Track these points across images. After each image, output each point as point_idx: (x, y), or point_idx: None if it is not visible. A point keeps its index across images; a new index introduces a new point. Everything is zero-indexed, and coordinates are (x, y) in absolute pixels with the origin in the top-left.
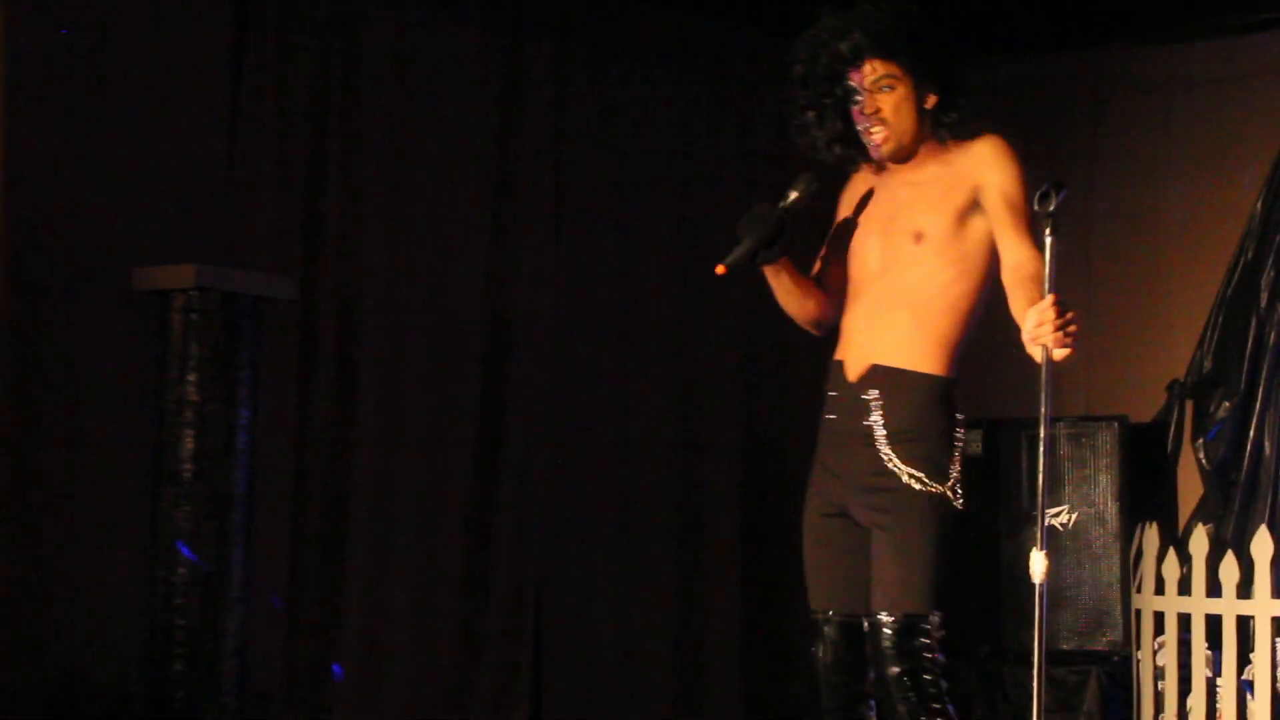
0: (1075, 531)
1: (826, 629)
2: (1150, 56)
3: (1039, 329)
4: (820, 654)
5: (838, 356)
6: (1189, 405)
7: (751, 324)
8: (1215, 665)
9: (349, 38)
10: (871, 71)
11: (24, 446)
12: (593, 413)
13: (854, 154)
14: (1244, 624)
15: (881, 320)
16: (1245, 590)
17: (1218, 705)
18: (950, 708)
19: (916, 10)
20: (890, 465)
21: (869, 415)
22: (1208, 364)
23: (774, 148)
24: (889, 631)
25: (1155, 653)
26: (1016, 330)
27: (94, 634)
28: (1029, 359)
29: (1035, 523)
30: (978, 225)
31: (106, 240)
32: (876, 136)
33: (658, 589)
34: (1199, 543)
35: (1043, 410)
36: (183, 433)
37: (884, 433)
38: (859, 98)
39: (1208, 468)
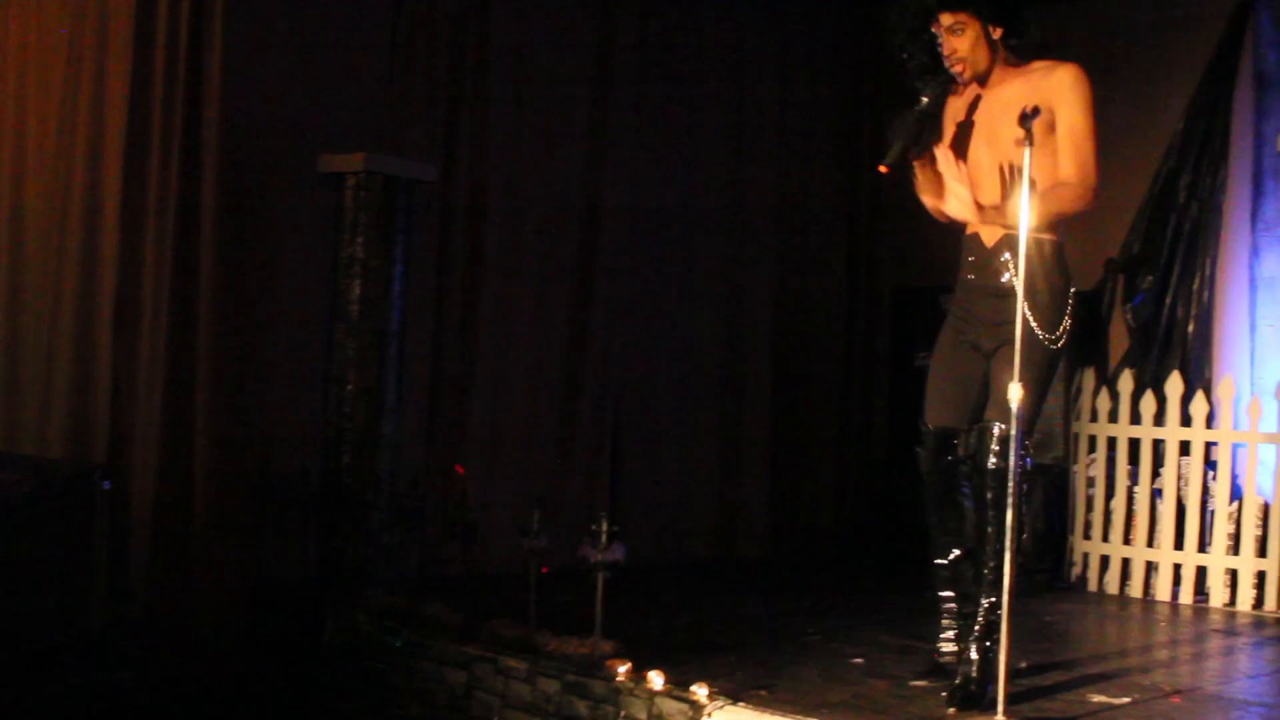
0: None
1: (928, 439)
2: (1101, 6)
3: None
4: (922, 455)
5: (970, 231)
6: (1120, 278)
7: (787, 212)
8: (1133, 476)
9: None
10: (946, 20)
11: (233, 296)
12: (659, 279)
13: (946, 80)
14: (1158, 446)
15: (1005, 203)
16: (1160, 419)
17: (1134, 507)
18: (1024, 504)
19: None
20: (1026, 310)
21: (1003, 274)
22: (1136, 246)
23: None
24: (996, 434)
25: (1088, 466)
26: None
27: (284, 434)
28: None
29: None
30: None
31: (296, 133)
32: (957, 68)
33: (705, 431)
34: (1125, 383)
35: (1020, 278)
36: (352, 282)
37: (1017, 286)
38: (939, 41)
39: (1134, 326)
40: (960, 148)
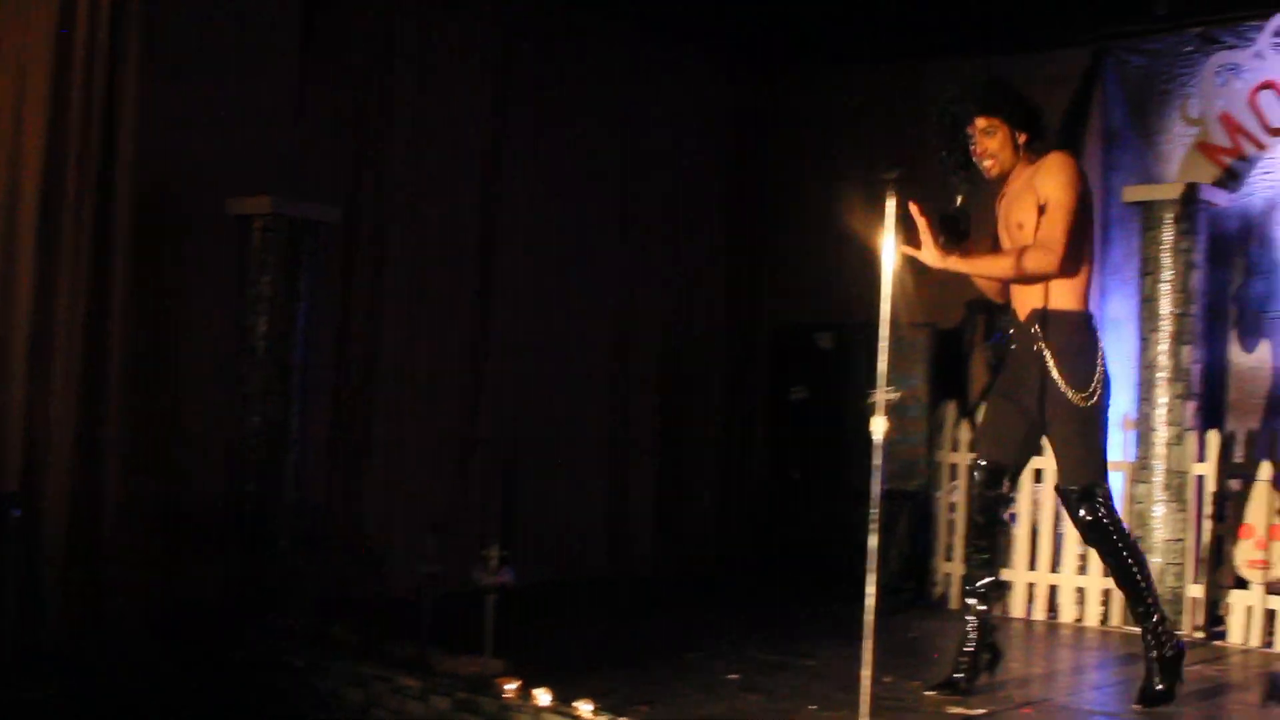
0: (897, 406)
1: (980, 472)
2: (963, 69)
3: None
4: (974, 487)
5: (1011, 306)
6: (981, 318)
7: (675, 253)
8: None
9: (388, 35)
10: (981, 123)
11: (145, 329)
12: (553, 313)
13: (975, 177)
14: None
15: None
16: None
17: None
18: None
19: (1007, 79)
20: (1054, 375)
21: (1037, 340)
22: None
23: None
24: (1076, 492)
25: (949, 493)
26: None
27: (194, 462)
28: (872, 277)
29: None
30: None
31: (207, 175)
32: (988, 163)
33: (595, 458)
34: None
35: (884, 316)
36: (258, 319)
37: (1049, 355)
38: (973, 143)
39: (992, 362)
40: (994, 235)
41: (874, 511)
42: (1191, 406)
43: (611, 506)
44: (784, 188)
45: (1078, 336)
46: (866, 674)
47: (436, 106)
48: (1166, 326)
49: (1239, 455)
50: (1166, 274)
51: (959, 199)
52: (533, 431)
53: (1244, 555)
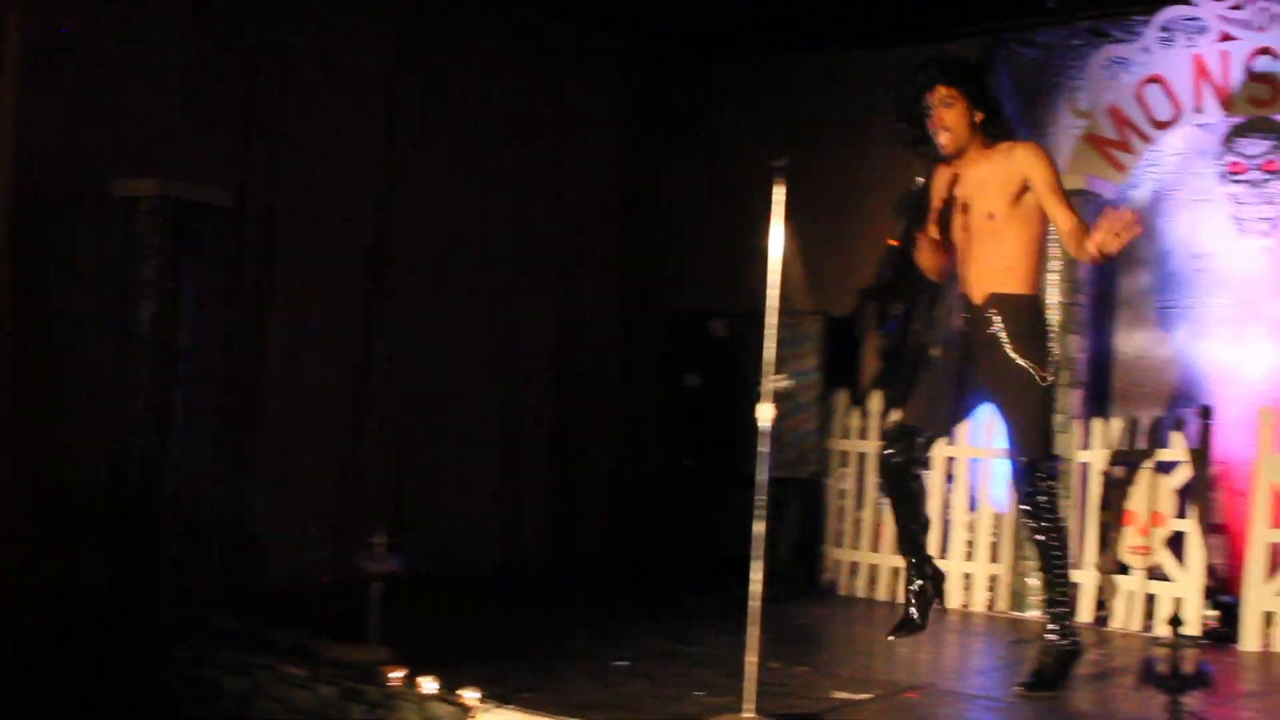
0: (790, 394)
1: (895, 431)
2: (856, 59)
3: (1103, 232)
4: (887, 448)
5: (962, 290)
6: (873, 305)
7: (567, 242)
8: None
9: (282, 17)
10: (941, 92)
11: (28, 315)
12: (445, 304)
13: (932, 151)
14: None
15: (987, 265)
16: None
17: (881, 517)
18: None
19: (973, 58)
20: (1014, 355)
21: (992, 326)
22: (887, 276)
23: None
24: (1023, 466)
25: (840, 479)
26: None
27: (78, 450)
28: (760, 262)
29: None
30: (1028, 199)
31: (91, 162)
32: (942, 137)
33: (488, 450)
34: (874, 403)
35: (770, 303)
36: (144, 304)
37: (1005, 337)
38: (930, 114)
39: (883, 350)
40: (944, 219)
41: (760, 498)
42: (1078, 395)
43: (503, 496)
44: (678, 175)
45: (1033, 318)
46: (752, 659)
47: (331, 92)
48: (1053, 316)
49: (1123, 444)
50: (1054, 264)
51: (919, 179)
52: (423, 422)
53: (1127, 542)
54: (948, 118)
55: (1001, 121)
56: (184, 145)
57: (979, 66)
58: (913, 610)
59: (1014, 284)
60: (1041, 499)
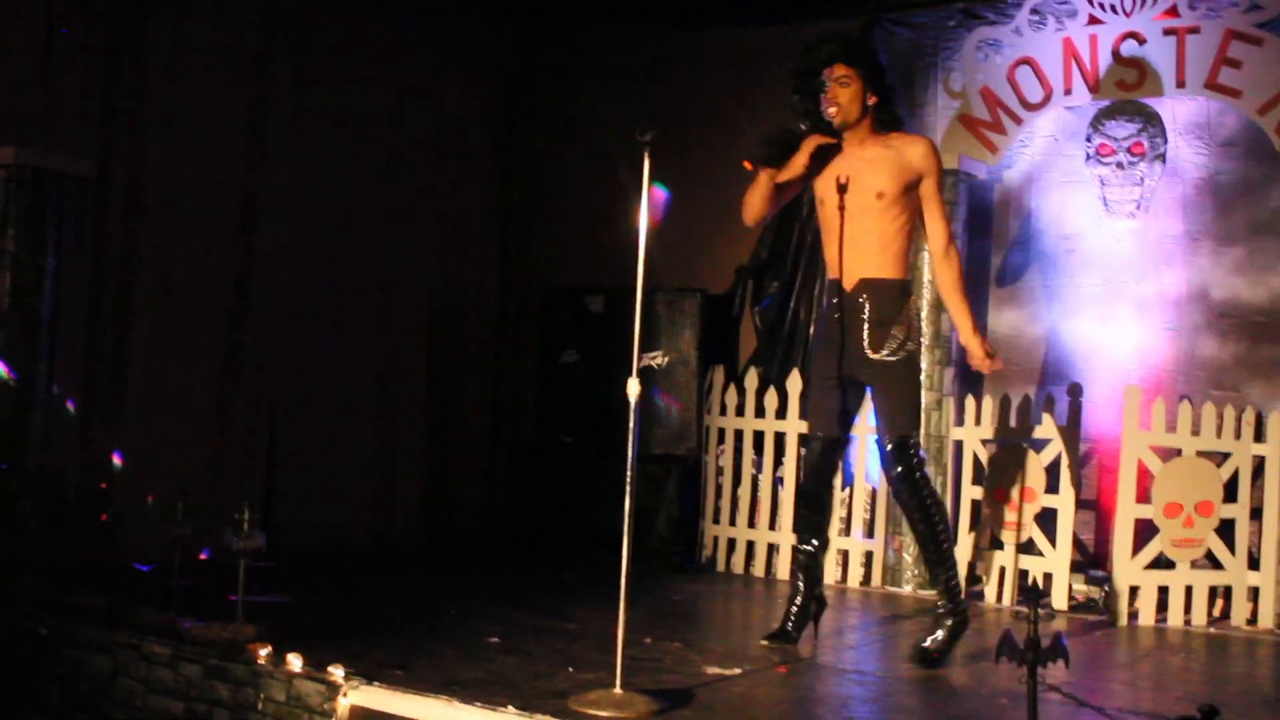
0: (666, 371)
1: (815, 444)
2: (731, 35)
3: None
4: (808, 458)
5: (832, 276)
6: (750, 283)
7: (442, 214)
8: (758, 466)
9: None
10: (839, 70)
11: None
12: (317, 277)
13: (820, 125)
14: (780, 438)
15: (860, 247)
16: (782, 414)
17: (758, 494)
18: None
19: (872, 42)
20: (871, 334)
21: (863, 310)
22: (764, 254)
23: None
24: (890, 448)
25: (718, 456)
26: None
27: None
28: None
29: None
30: (914, 190)
31: None
32: (831, 110)
33: (362, 424)
34: (751, 380)
35: (639, 278)
36: (3, 274)
37: (872, 320)
38: (825, 89)
39: (760, 328)
40: (825, 190)
41: (630, 474)
42: (951, 373)
43: (378, 471)
44: (555, 148)
45: (897, 300)
46: (621, 635)
47: (196, 56)
48: (926, 295)
49: (996, 421)
50: (926, 244)
51: (804, 125)
52: (295, 395)
53: (999, 518)
54: (842, 95)
55: (893, 111)
56: (43, 115)
57: (879, 55)
58: (790, 625)
59: (886, 269)
60: (917, 477)
